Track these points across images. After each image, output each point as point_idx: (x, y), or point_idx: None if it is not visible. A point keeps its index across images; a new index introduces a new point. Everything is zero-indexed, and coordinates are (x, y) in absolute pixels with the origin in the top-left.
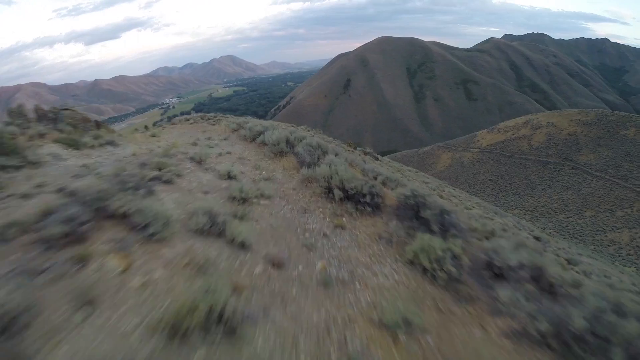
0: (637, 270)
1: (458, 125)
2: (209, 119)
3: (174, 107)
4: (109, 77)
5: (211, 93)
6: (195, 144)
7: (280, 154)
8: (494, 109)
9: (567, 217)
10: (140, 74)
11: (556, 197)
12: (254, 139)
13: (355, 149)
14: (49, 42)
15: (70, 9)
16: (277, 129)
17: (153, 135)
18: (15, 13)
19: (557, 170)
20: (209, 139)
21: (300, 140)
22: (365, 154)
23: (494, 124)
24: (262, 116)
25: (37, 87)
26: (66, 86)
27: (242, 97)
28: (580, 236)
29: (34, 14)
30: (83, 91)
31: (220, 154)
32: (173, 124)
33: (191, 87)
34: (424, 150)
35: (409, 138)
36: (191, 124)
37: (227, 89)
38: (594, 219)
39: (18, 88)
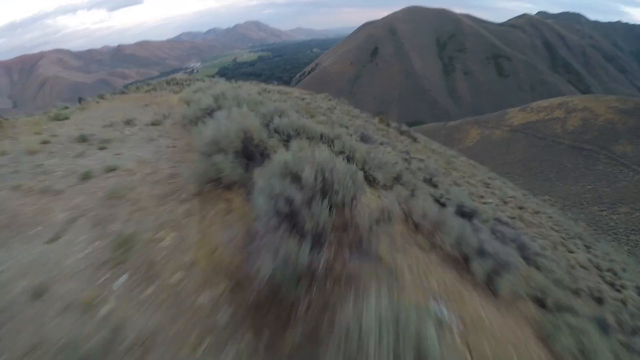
0: None
1: (488, 101)
2: (178, 83)
3: (197, 71)
4: (132, 42)
5: (235, 58)
6: (84, 140)
7: (216, 183)
8: (526, 86)
9: (601, 211)
10: (164, 39)
11: (590, 187)
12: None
13: (388, 125)
14: (72, 10)
15: None
16: (240, 108)
17: (57, 118)
18: None
19: (591, 158)
20: (127, 123)
21: (275, 151)
22: (401, 133)
23: (525, 102)
24: (287, 82)
25: (60, 54)
26: (90, 52)
27: (267, 63)
28: (614, 233)
29: None
30: (107, 57)
31: (85, 177)
32: (122, 92)
33: (215, 52)
34: (452, 124)
35: (436, 110)
36: (146, 91)
37: (252, 54)
38: (629, 216)
39: (41, 55)
